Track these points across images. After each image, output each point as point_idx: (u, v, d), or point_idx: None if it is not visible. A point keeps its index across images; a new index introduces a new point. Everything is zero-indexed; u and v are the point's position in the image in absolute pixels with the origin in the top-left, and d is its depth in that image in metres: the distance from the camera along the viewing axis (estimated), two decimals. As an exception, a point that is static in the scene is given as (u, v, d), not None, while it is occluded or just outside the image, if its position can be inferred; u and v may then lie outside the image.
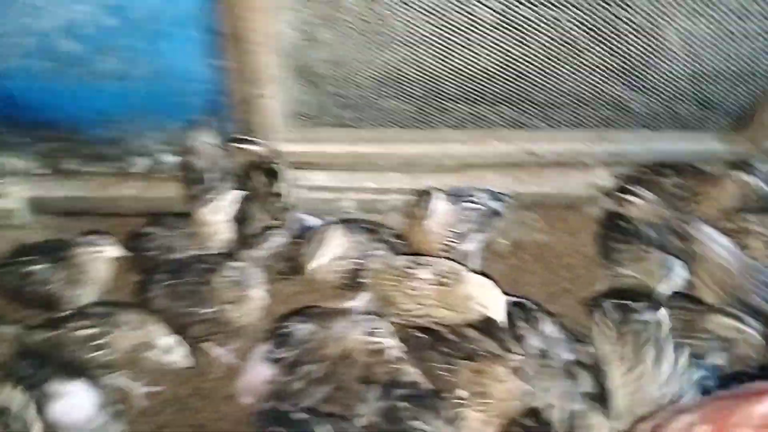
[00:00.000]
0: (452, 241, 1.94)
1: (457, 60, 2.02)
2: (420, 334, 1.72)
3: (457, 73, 2.06)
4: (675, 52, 2.10)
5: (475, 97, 2.16)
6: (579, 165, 2.33)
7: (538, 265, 2.26)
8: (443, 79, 2.08)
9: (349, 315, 1.71)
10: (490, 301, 1.72)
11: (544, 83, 2.15)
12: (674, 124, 2.36)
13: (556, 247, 2.30)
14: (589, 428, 1.49)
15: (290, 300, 1.92)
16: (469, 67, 2.04)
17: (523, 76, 2.10)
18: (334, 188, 2.26)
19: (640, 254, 1.85)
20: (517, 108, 2.25)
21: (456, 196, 2.01)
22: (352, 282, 1.86)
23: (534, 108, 2.26)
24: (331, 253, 1.79)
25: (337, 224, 1.90)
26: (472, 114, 2.25)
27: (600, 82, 2.17)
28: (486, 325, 1.71)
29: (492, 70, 2.06)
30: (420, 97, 2.15)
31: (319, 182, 2.26)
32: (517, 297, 1.80)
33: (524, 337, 1.65)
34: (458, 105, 2.20)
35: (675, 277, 1.78)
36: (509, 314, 1.69)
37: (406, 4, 1.83)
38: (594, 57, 2.07)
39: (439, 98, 2.16)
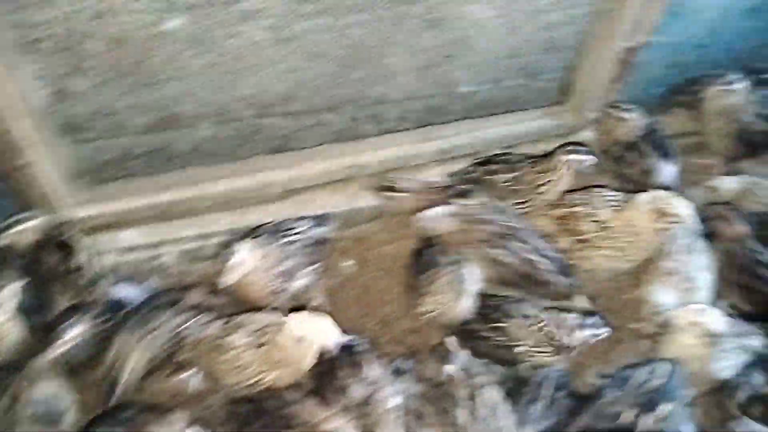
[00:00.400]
0: (278, 284, 1.77)
1: (243, 86, 1.81)
2: (245, 408, 1.55)
3: (248, 99, 1.86)
4: (490, 28, 1.99)
5: (281, 114, 1.97)
6: (412, 167, 2.21)
7: (389, 279, 2.13)
8: (235, 107, 1.88)
9: (167, 414, 1.51)
10: (319, 334, 1.58)
11: (355, 92, 1.99)
12: (507, 104, 2.28)
13: (403, 256, 2.18)
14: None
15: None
16: (262, 90, 1.84)
17: (324, 90, 1.93)
18: (150, 244, 2.01)
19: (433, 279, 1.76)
20: (337, 118, 2.09)
21: (271, 233, 1.83)
22: (172, 367, 1.66)
23: (354, 115, 2.10)
24: (133, 363, 1.58)
25: (131, 321, 1.67)
26: (288, 134, 2.07)
27: (417, 78, 2.04)
28: (312, 380, 1.57)
29: (287, 89, 1.87)
30: (219, 128, 1.93)
31: (130, 242, 2.00)
32: (346, 337, 1.66)
33: (347, 388, 1.52)
34: (269, 123, 1.99)
35: (470, 289, 1.68)
36: (333, 361, 1.56)
37: (158, 40, 1.59)
38: (402, 57, 1.93)
39: (243, 125, 1.95)
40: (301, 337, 1.56)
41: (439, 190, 1.99)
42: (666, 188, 2.07)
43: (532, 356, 1.78)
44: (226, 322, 1.67)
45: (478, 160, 2.16)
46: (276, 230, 1.84)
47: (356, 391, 1.51)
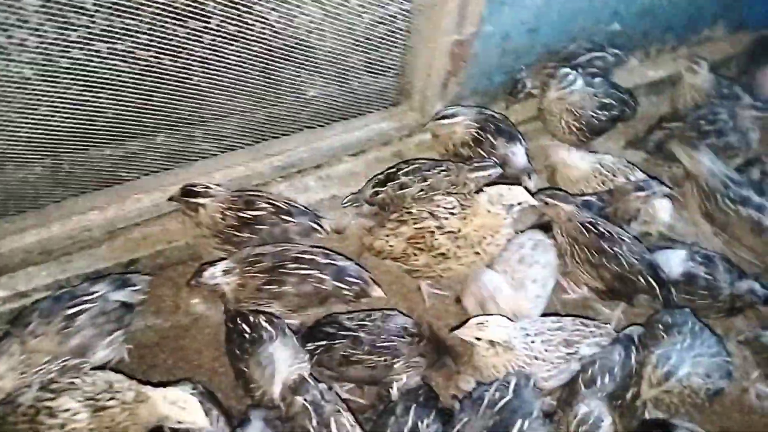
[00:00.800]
0: (70, 364, 1.58)
1: (24, 127, 1.62)
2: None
3: (34, 140, 1.67)
4: (309, 33, 1.89)
5: (83, 149, 1.79)
6: (256, 187, 2.07)
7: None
8: (21, 151, 1.69)
9: None
10: (187, 417, 1.44)
11: (165, 116, 1.84)
12: (348, 108, 2.19)
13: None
14: None
15: None
16: (48, 128, 1.66)
17: (129, 119, 1.77)
18: (-46, 313, 1.78)
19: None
20: (162, 142, 1.93)
21: (48, 309, 1.60)
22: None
23: (190, 135, 1.96)
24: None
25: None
26: (105, 169, 1.88)
27: (236, 93, 1.90)
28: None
29: (80, 123, 1.69)
30: (10, 176, 1.73)
31: (-71, 313, 1.75)
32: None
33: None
34: (75, 160, 1.81)
35: (281, 366, 1.59)
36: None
37: None
38: (211, 73, 1.79)
39: (40, 168, 1.76)
40: (165, 416, 1.43)
41: (241, 201, 1.85)
42: (525, 172, 2.11)
43: (408, 369, 1.74)
44: (42, 388, 1.50)
45: (378, 181, 2.05)
46: (60, 301, 1.62)
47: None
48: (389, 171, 2.08)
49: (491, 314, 1.67)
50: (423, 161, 2.09)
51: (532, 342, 1.63)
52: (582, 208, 1.92)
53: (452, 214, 1.84)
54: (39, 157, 1.74)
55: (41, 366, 1.51)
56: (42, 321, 1.55)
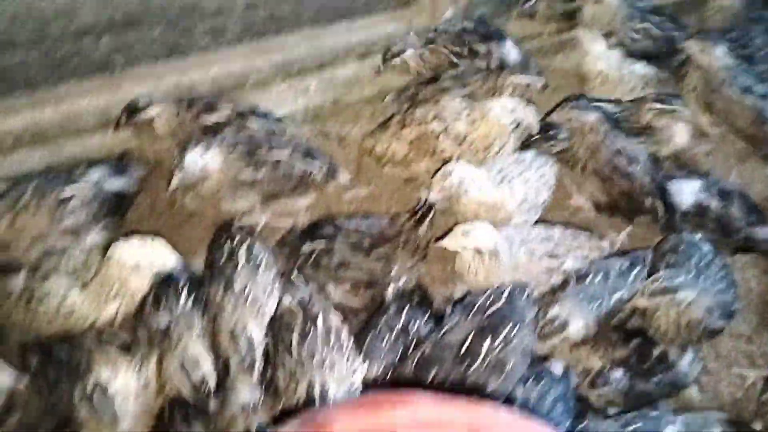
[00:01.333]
0: (60, 243, 1.56)
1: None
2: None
3: (20, 17, 1.61)
4: None
5: (74, 34, 1.73)
6: (254, 86, 1.99)
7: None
8: (9, 29, 1.63)
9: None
10: (155, 258, 1.46)
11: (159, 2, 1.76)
12: (360, 4, 2.08)
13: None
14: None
15: None
16: (29, 6, 1.60)
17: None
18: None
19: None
20: (158, 33, 1.85)
21: (47, 185, 1.57)
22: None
23: (189, 29, 1.88)
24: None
25: None
26: (99, 56, 1.81)
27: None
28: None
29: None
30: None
31: None
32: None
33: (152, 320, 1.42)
34: (65, 44, 1.75)
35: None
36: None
37: None
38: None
39: (30, 49, 1.71)
40: (135, 265, 1.44)
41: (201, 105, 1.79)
42: (520, 68, 2.00)
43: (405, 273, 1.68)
44: (30, 272, 1.48)
45: (422, 81, 1.96)
46: (55, 181, 1.58)
47: (162, 323, 1.40)
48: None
49: (477, 221, 1.60)
50: (469, 68, 1.97)
51: (516, 251, 1.58)
52: (604, 119, 1.85)
53: (458, 118, 1.77)
54: (13, 43, 1.67)
55: (29, 244, 1.49)
56: (35, 197, 1.52)
